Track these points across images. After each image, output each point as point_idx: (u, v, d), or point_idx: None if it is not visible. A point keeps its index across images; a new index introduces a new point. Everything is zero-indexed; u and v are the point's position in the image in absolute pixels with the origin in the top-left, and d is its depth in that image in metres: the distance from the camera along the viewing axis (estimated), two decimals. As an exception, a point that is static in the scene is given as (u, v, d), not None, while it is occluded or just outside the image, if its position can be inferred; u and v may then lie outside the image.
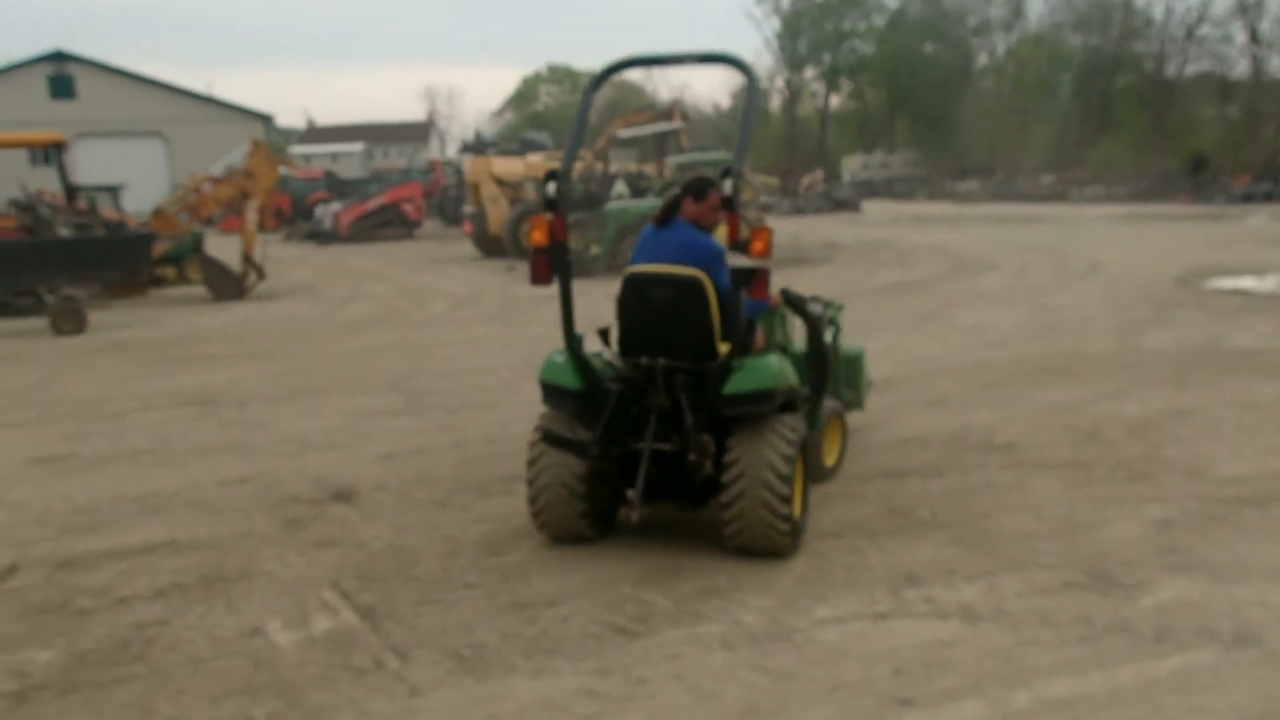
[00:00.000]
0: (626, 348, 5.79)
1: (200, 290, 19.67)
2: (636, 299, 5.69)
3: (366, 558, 5.95)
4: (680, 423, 5.58)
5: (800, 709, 4.20)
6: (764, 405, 5.51)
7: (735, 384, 5.51)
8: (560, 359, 5.82)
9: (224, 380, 11.37)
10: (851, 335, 11.98)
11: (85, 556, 6.13)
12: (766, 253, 5.29)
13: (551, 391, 5.82)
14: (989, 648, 4.66)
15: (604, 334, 6.13)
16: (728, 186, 5.42)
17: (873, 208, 43.97)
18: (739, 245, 5.29)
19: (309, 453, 8.25)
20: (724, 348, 5.74)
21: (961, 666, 4.50)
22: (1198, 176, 48.40)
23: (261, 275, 19.69)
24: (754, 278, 5.33)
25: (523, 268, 21.90)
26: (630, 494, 5.56)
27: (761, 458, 5.42)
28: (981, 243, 26.09)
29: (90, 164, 45.42)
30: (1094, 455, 7.54)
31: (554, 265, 5.72)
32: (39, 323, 15.80)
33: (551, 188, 5.66)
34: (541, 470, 5.76)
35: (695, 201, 5.89)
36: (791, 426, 5.57)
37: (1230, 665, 4.44)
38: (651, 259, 5.79)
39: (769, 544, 5.52)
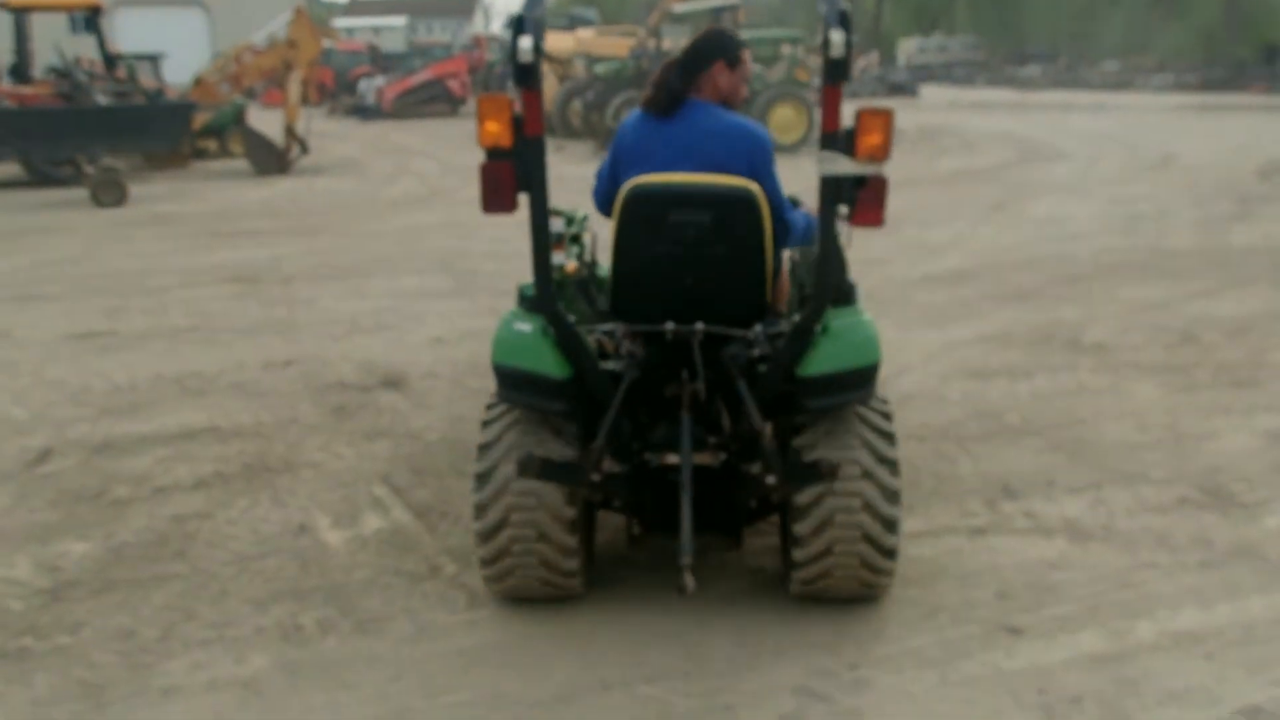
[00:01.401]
0: (633, 308, 3.79)
1: (242, 164, 19.22)
2: (649, 230, 3.66)
3: (420, 450, 5.58)
4: (722, 421, 3.85)
5: (897, 633, 3.81)
6: (865, 391, 3.71)
7: (824, 360, 3.62)
8: (527, 329, 3.70)
9: (267, 257, 10.99)
10: (919, 224, 11.43)
11: (123, 440, 5.81)
12: (885, 150, 3.33)
13: (516, 381, 3.70)
14: (1102, 571, 4.24)
15: (583, 286, 4.42)
16: (837, 41, 3.32)
17: (930, 93, 42.55)
18: (835, 138, 3.36)
19: (356, 335, 7.88)
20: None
21: (1073, 591, 4.09)
22: (1273, 66, 46.40)
23: (305, 149, 19.17)
24: (861, 191, 3.41)
25: (571, 148, 21.25)
26: (672, 545, 3.52)
27: (859, 469, 3.67)
28: (1048, 130, 25.05)
29: (129, 33, 44.62)
30: (1192, 358, 7.02)
31: (523, 178, 3.47)
32: (79, 194, 15.44)
33: (526, 45, 3.25)
34: (507, 517, 3.70)
35: (730, 67, 3.91)
36: (885, 413, 3.80)
37: (1376, 600, 3.99)
38: (664, 164, 3.77)
39: (864, 591, 3.89)
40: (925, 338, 7.46)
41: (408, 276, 9.93)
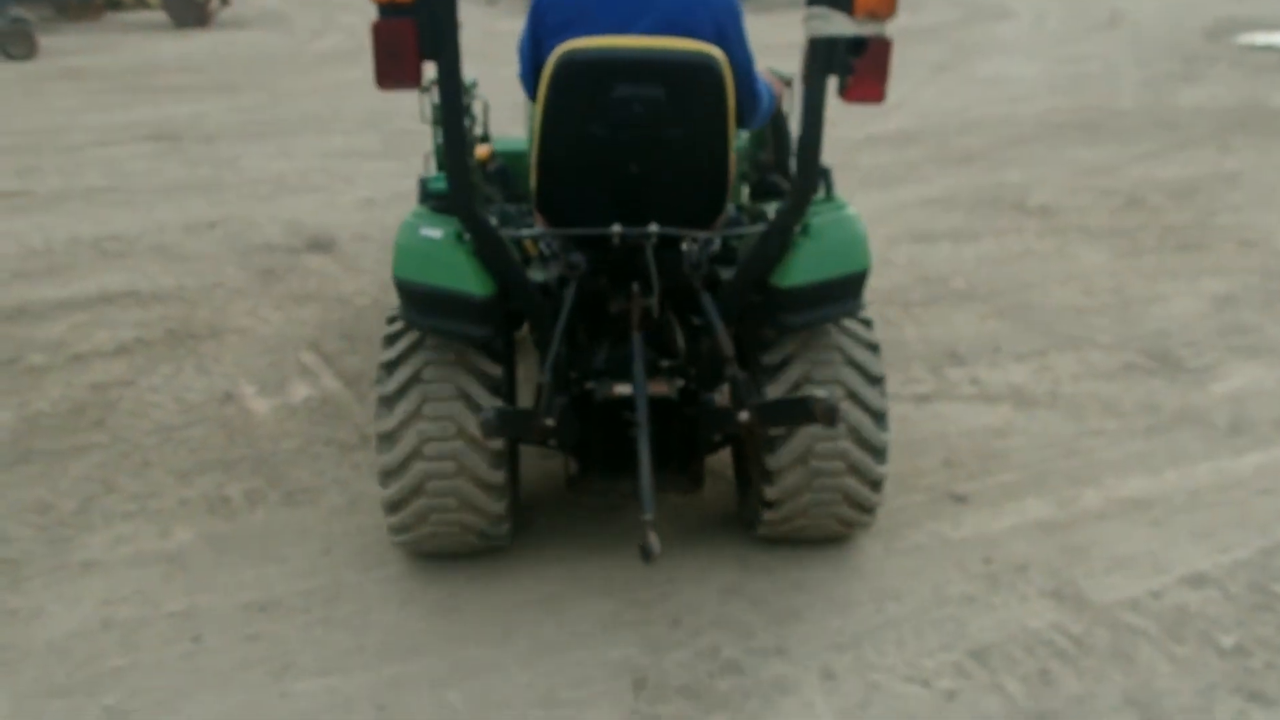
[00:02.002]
0: (565, 206, 3.12)
1: (160, 16, 18.33)
2: (586, 108, 2.90)
3: (350, 316, 5.37)
4: (678, 342, 3.23)
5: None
6: (852, 303, 3.16)
7: (805, 267, 3.04)
8: (437, 235, 3.02)
9: (188, 114, 10.49)
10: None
11: (38, 305, 5.53)
12: (891, 5, 2.68)
13: (426, 302, 3.01)
14: (1048, 437, 4.19)
15: (499, 175, 3.83)
16: None
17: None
18: None
19: (282, 196, 7.55)
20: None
21: (1019, 458, 4.04)
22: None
23: (226, 1, 18.29)
24: (859, 58, 2.75)
25: (505, 3, 20.49)
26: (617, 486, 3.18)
27: (844, 391, 3.16)
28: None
29: (37, -126, 42.05)
30: (1138, 222, 6.95)
31: (429, 40, 2.66)
32: (-14, 45, 14.62)
33: None
34: (426, 475, 3.11)
35: None
36: (867, 320, 3.28)
37: (1318, 464, 3.99)
38: (609, 26, 2.96)
39: (844, 530, 3.42)
40: (870, 201, 7.31)
41: (336, 135, 9.54)
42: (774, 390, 3.14)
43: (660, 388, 3.06)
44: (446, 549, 3.33)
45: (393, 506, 3.16)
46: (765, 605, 3.21)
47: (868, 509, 3.30)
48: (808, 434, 3.14)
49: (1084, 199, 7.47)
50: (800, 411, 2.81)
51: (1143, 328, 5.20)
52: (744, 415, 2.88)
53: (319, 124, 10.05)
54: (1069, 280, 5.87)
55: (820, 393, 2.82)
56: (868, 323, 3.27)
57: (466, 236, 2.97)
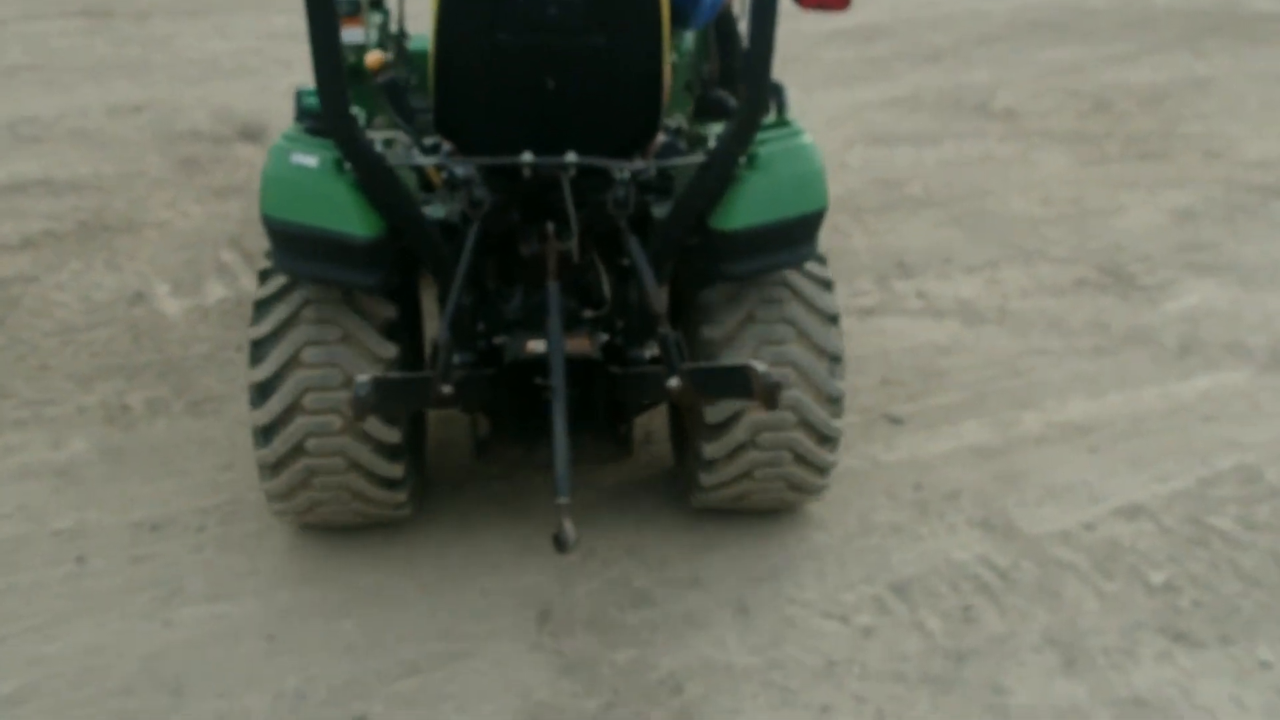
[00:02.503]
0: (468, 129, 2.70)
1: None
2: (492, 12, 2.52)
3: (275, 211, 5.11)
4: (601, 290, 2.82)
5: (774, 423, 3.58)
6: (804, 249, 2.74)
7: (752, 205, 2.63)
8: (311, 163, 2.54)
9: (124, -13, 9.98)
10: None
11: (-56, 193, 5.24)
12: None
13: (299, 244, 2.57)
14: (991, 356, 4.04)
15: (393, 91, 3.35)
16: None
17: None
18: None
19: (214, 79, 7.19)
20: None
21: (960, 378, 3.89)
22: None
23: None
24: None
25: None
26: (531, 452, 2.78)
27: (792, 369, 2.76)
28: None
29: None
30: (1104, 127, 6.73)
31: None
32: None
33: None
34: (302, 443, 2.69)
35: None
36: (824, 279, 2.85)
37: (1266, 390, 3.87)
38: None
39: (798, 499, 3.08)
40: (829, 99, 7.05)
41: (278, 15, 9.07)
42: (710, 350, 2.77)
43: (580, 344, 2.64)
44: (334, 521, 2.92)
45: (269, 469, 2.72)
46: (682, 534, 3.07)
47: (816, 491, 2.99)
48: (750, 424, 2.79)
49: (1049, 102, 7.22)
50: (738, 383, 2.48)
51: (1098, 241, 5.03)
52: (674, 383, 2.52)
53: (259, 1, 9.59)
54: (1028, 188, 5.67)
55: (760, 366, 2.45)
56: (826, 282, 2.82)
57: (347, 165, 2.51)
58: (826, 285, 2.83)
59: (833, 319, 2.80)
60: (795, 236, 2.68)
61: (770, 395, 2.42)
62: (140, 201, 5.18)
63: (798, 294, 2.77)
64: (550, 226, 2.66)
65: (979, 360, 4.01)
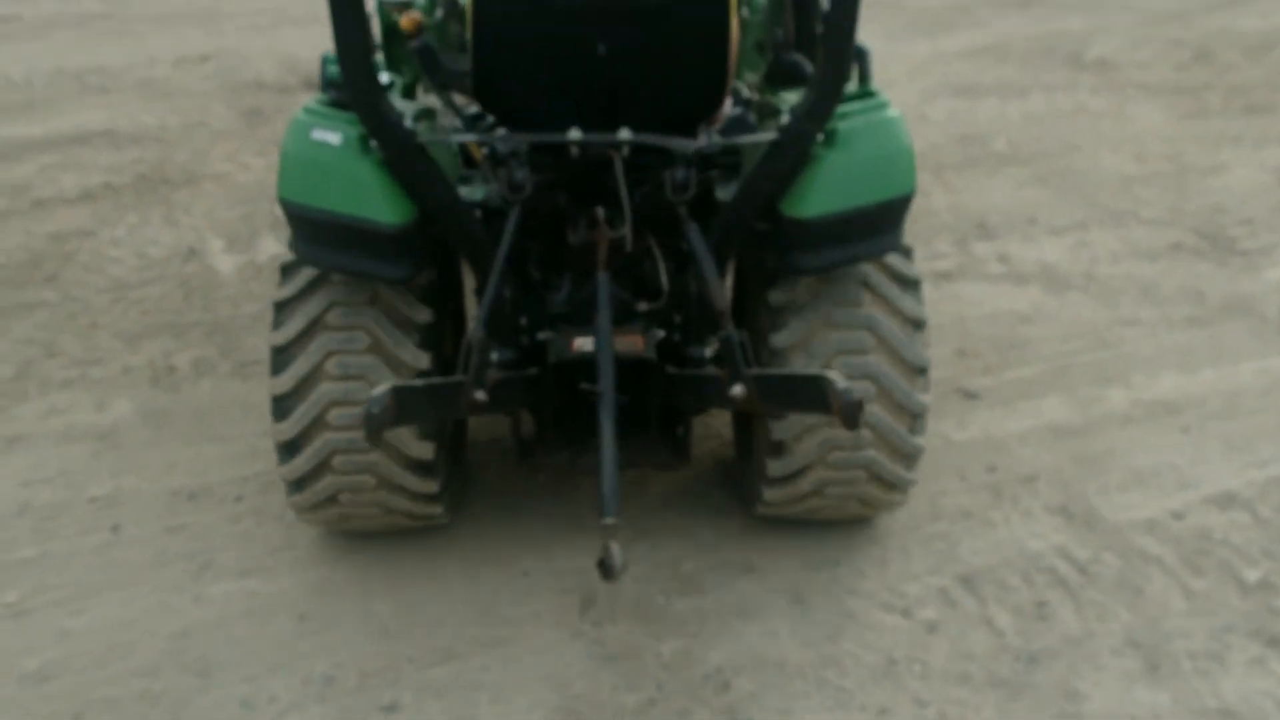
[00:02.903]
0: (509, 101, 2.47)
1: None
2: None
3: (334, 164, 5.01)
4: (659, 281, 2.52)
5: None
6: (888, 239, 2.42)
7: (830, 189, 2.32)
8: (334, 140, 2.27)
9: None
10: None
11: (8, 145, 5.22)
12: None
13: (322, 231, 2.31)
14: (1076, 326, 3.79)
15: (428, 62, 2.88)
16: None
17: None
18: None
19: (283, 27, 7.10)
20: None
21: (1042, 350, 3.66)
22: None
23: None
24: None
25: None
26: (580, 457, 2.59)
27: (873, 381, 2.45)
28: None
29: None
30: (1205, 79, 6.34)
31: None
32: None
33: None
34: (332, 449, 2.45)
35: None
36: (908, 278, 2.52)
37: (1378, 368, 3.57)
38: None
39: (870, 511, 2.76)
40: (913, 49, 6.75)
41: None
42: (780, 356, 2.45)
43: (632, 342, 2.39)
44: (368, 529, 2.74)
45: (293, 485, 2.50)
46: (737, 515, 2.90)
47: (893, 505, 2.70)
48: (821, 440, 2.49)
49: (1147, 52, 6.84)
50: (811, 395, 2.18)
51: (1196, 201, 4.72)
52: (737, 390, 2.27)
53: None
54: (1121, 144, 5.35)
55: (838, 379, 2.13)
56: (913, 282, 2.49)
57: (373, 142, 2.25)
58: (912, 285, 2.50)
59: (918, 325, 2.48)
60: (878, 225, 2.36)
61: (851, 415, 2.09)
62: (201, 154, 5.11)
63: (879, 295, 2.46)
64: (600, 211, 2.42)
65: (1062, 330, 3.76)
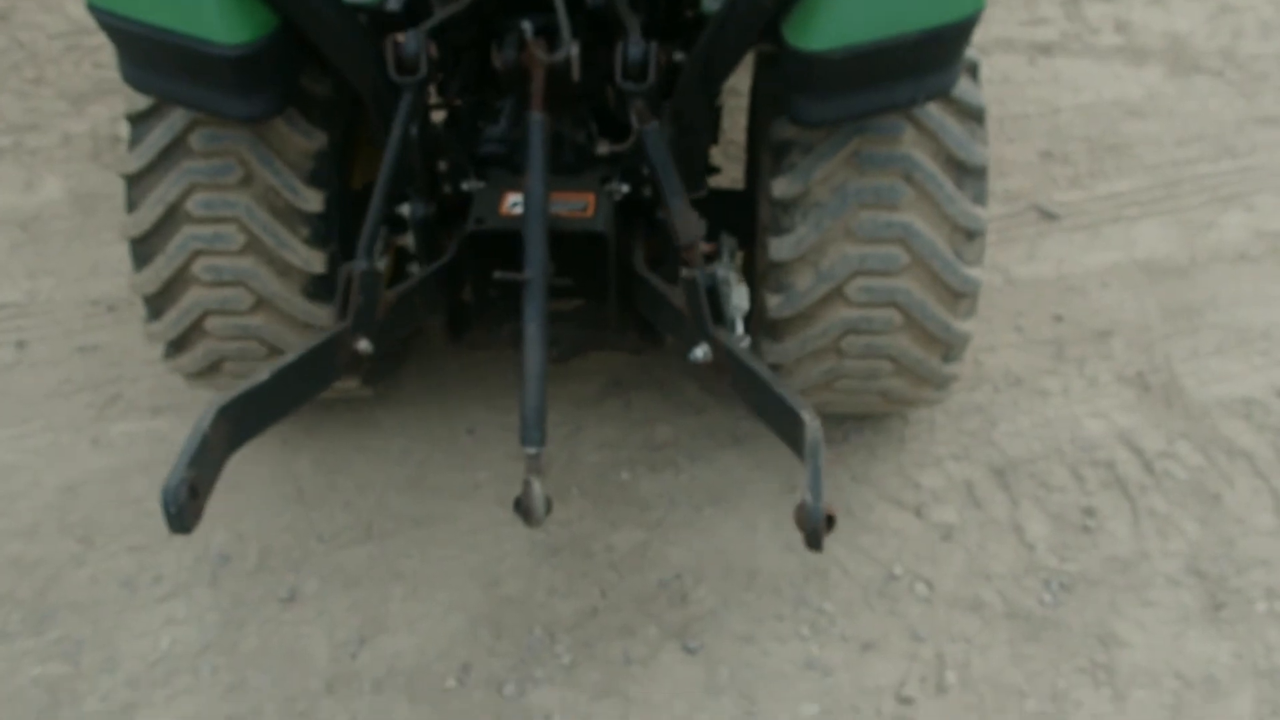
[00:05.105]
0: None
1: None
2: None
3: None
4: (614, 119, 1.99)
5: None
6: (940, 78, 1.76)
7: (854, 13, 1.65)
8: None
9: None
10: None
11: None
12: None
13: (147, 51, 1.73)
14: (1200, 124, 3.10)
15: None
16: None
17: None
18: None
19: None
20: None
21: (1149, 155, 2.99)
22: None
23: None
24: None
25: None
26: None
27: (905, 254, 1.87)
28: None
29: None
30: None
31: None
32: None
33: None
34: (204, 308, 1.97)
35: None
36: (969, 97, 1.87)
37: None
38: None
39: (901, 410, 2.29)
40: None
41: None
42: (782, 239, 1.86)
43: (580, 201, 1.83)
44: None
45: (170, 346, 2.04)
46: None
47: (930, 401, 2.14)
48: (836, 319, 1.91)
49: None
50: (781, 423, 1.64)
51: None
52: (699, 353, 1.72)
53: None
54: None
55: (812, 426, 1.55)
56: (976, 114, 1.87)
57: None
58: (974, 116, 1.87)
59: (977, 172, 1.86)
60: (925, 61, 1.70)
61: (813, 533, 1.46)
62: None
63: (925, 130, 1.83)
64: (528, 26, 1.83)
65: (1180, 130, 3.06)
